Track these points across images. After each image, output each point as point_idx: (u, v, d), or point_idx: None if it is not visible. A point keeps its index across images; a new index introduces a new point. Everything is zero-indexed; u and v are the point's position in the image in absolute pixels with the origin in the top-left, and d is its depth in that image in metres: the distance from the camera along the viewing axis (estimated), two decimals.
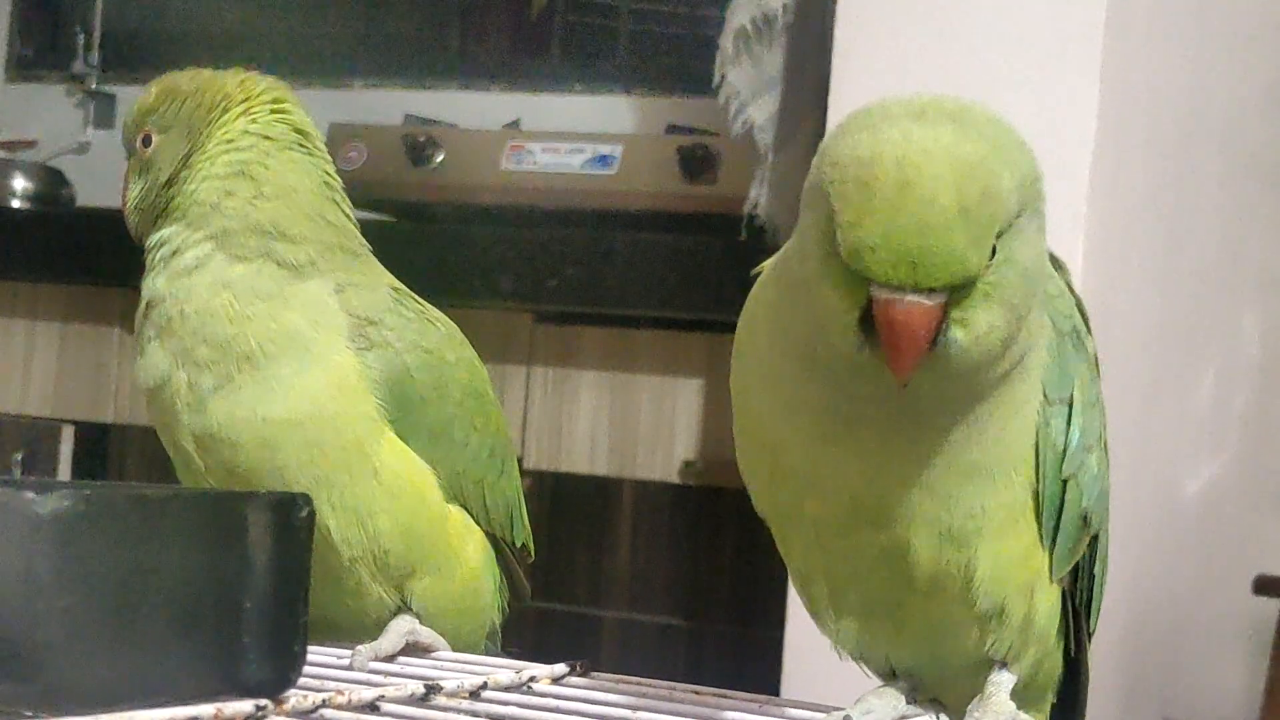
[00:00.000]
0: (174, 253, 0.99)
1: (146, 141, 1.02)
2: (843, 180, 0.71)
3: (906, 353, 0.71)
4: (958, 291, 0.71)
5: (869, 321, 0.72)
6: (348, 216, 1.04)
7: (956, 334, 0.72)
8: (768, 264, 0.85)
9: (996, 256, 0.72)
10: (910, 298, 0.70)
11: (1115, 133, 1.72)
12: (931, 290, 0.70)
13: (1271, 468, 2.13)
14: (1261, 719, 1.93)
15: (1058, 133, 1.65)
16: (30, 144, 3.01)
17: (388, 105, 2.82)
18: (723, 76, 2.08)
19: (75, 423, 2.41)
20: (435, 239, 2.23)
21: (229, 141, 1.00)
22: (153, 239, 1.01)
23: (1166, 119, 1.88)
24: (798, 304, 0.77)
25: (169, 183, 1.01)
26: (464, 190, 2.49)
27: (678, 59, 2.71)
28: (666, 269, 2.08)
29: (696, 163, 2.35)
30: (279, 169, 1.01)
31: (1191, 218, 1.98)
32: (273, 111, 1.02)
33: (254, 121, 1.01)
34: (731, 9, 2.09)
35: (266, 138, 1.01)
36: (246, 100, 1.02)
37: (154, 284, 1.00)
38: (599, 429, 2.14)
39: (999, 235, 0.72)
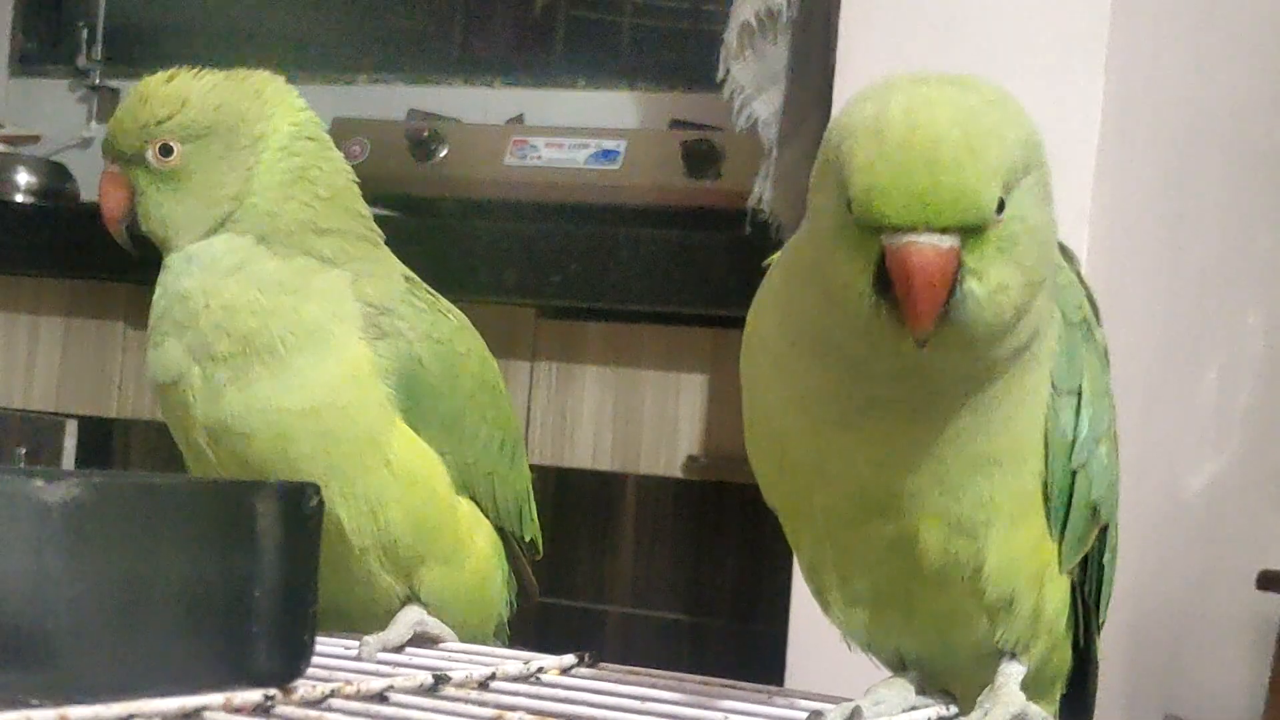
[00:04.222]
0: (213, 258, 0.99)
1: (166, 151, 1.00)
2: (852, 138, 0.72)
3: (923, 299, 0.71)
4: (970, 237, 0.71)
5: (882, 286, 0.72)
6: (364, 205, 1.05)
7: (972, 285, 0.72)
8: (776, 257, 0.86)
9: (1007, 211, 0.72)
10: (924, 238, 0.71)
11: (1120, 129, 1.72)
12: (944, 232, 0.71)
13: (1276, 463, 2.13)
14: (1265, 714, 1.93)
15: (1062, 128, 1.65)
16: (34, 138, 3.01)
17: (391, 100, 2.82)
18: (727, 71, 2.07)
19: (79, 417, 2.41)
20: (438, 234, 2.23)
21: (283, 148, 1.00)
22: (195, 248, 1.00)
23: (1171, 115, 1.88)
24: (809, 291, 0.77)
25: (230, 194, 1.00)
26: (467, 185, 2.49)
27: (681, 54, 2.70)
28: (670, 264, 2.08)
29: (700, 158, 2.35)
30: (329, 169, 1.02)
31: (1196, 214, 1.98)
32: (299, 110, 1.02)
33: (295, 124, 1.01)
34: (736, 4, 2.08)
35: (312, 139, 1.02)
36: (279, 102, 1.01)
37: (180, 283, 0.99)
38: (603, 424, 2.14)
39: (1008, 191, 0.72)
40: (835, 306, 0.75)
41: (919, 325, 0.71)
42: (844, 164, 0.72)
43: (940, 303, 0.71)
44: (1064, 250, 0.85)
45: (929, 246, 0.71)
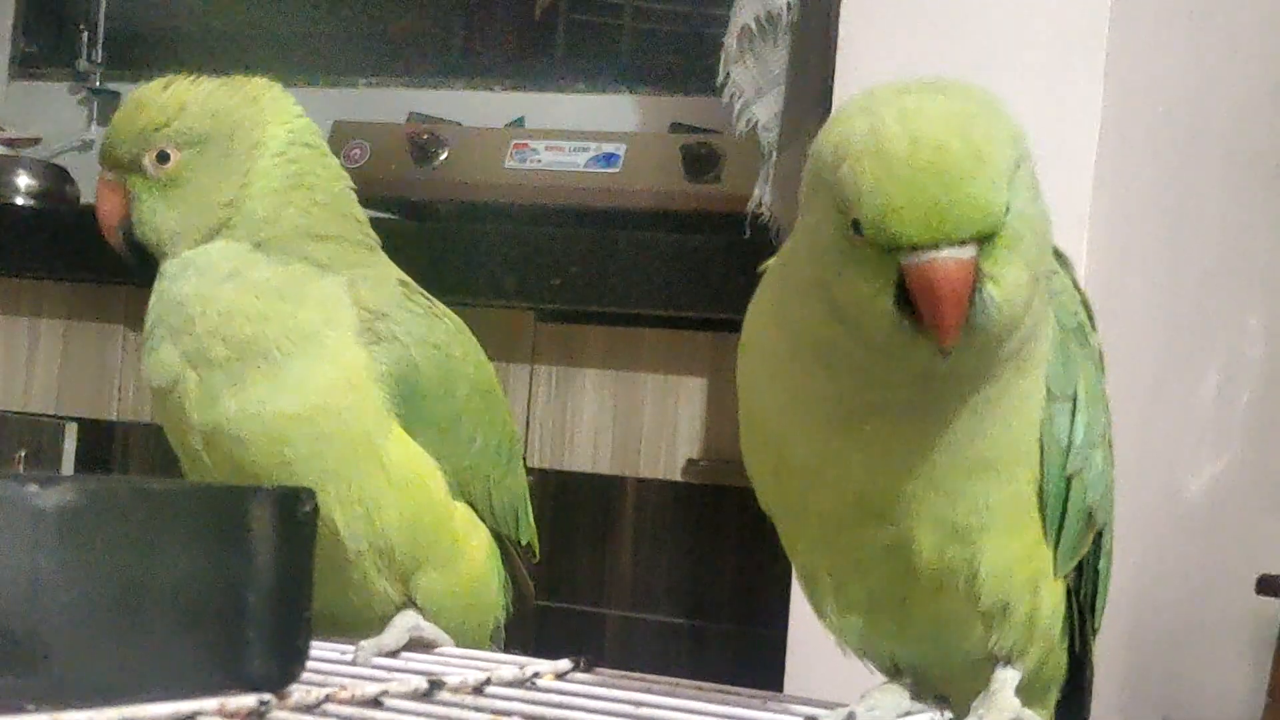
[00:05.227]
0: (210, 264, 0.99)
1: (163, 158, 1.00)
2: (851, 156, 0.71)
3: (950, 313, 0.71)
4: (985, 244, 0.71)
5: (901, 301, 0.72)
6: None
7: (991, 290, 0.72)
8: (772, 262, 0.86)
9: (1010, 210, 0.72)
10: (944, 253, 0.70)
11: (1119, 131, 1.71)
12: (962, 243, 0.70)
13: (1275, 467, 2.12)
14: (1264, 719, 1.93)
15: (1062, 131, 1.65)
16: (34, 141, 3.01)
17: (392, 103, 2.82)
18: (727, 75, 2.07)
19: (79, 420, 2.41)
20: (439, 237, 2.23)
21: (279, 154, 1.00)
22: (191, 254, 1.00)
23: (1171, 118, 1.88)
24: (809, 303, 0.77)
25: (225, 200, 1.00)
26: (468, 188, 2.49)
27: (681, 57, 2.70)
28: (670, 267, 2.08)
29: (700, 161, 2.35)
30: (326, 175, 1.02)
31: (1196, 216, 1.98)
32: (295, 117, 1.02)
33: (291, 130, 1.01)
34: (735, 7, 2.08)
35: (308, 146, 1.02)
36: (276, 108, 1.01)
37: (176, 289, 0.99)
38: (602, 427, 2.14)
39: (1010, 191, 0.72)
40: (849, 323, 0.74)
41: (949, 339, 0.71)
42: (847, 186, 0.71)
43: (965, 312, 0.71)
44: (1059, 255, 0.85)
45: (951, 261, 0.71)
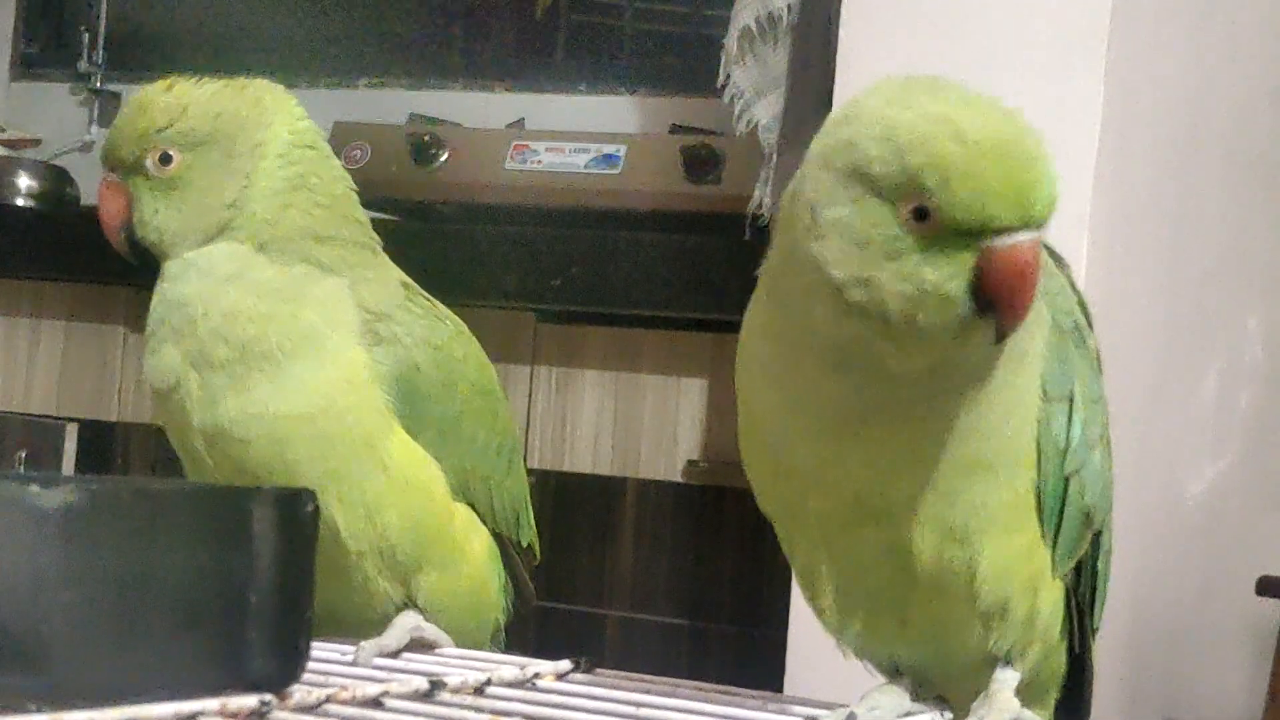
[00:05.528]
0: (212, 266, 0.99)
1: (166, 159, 1.00)
2: (921, 144, 0.71)
3: (1028, 294, 0.72)
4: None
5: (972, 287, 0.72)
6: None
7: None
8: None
9: None
10: (1024, 235, 0.72)
11: (1119, 133, 1.72)
12: (1037, 226, 0.72)
13: (1275, 468, 2.12)
14: (1264, 719, 1.93)
15: (1062, 133, 1.65)
16: (35, 142, 3.01)
17: (392, 104, 2.82)
18: (727, 76, 2.08)
19: (79, 421, 2.41)
20: (439, 238, 2.23)
21: (281, 155, 1.00)
22: (193, 255, 1.00)
23: (1171, 119, 1.88)
24: (813, 302, 0.76)
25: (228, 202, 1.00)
26: (468, 189, 2.49)
27: (682, 59, 2.71)
28: (670, 269, 2.08)
29: (701, 162, 2.35)
30: (328, 177, 1.02)
31: (1196, 218, 1.98)
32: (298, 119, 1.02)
33: (293, 132, 1.01)
34: (736, 9, 2.09)
35: (310, 147, 1.02)
36: (278, 110, 1.01)
37: (178, 290, 0.99)
38: (603, 428, 2.14)
39: None
40: (892, 314, 0.73)
41: (1020, 320, 0.72)
42: (925, 174, 0.71)
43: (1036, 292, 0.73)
44: (1055, 255, 0.85)
45: (1030, 241, 0.72)
